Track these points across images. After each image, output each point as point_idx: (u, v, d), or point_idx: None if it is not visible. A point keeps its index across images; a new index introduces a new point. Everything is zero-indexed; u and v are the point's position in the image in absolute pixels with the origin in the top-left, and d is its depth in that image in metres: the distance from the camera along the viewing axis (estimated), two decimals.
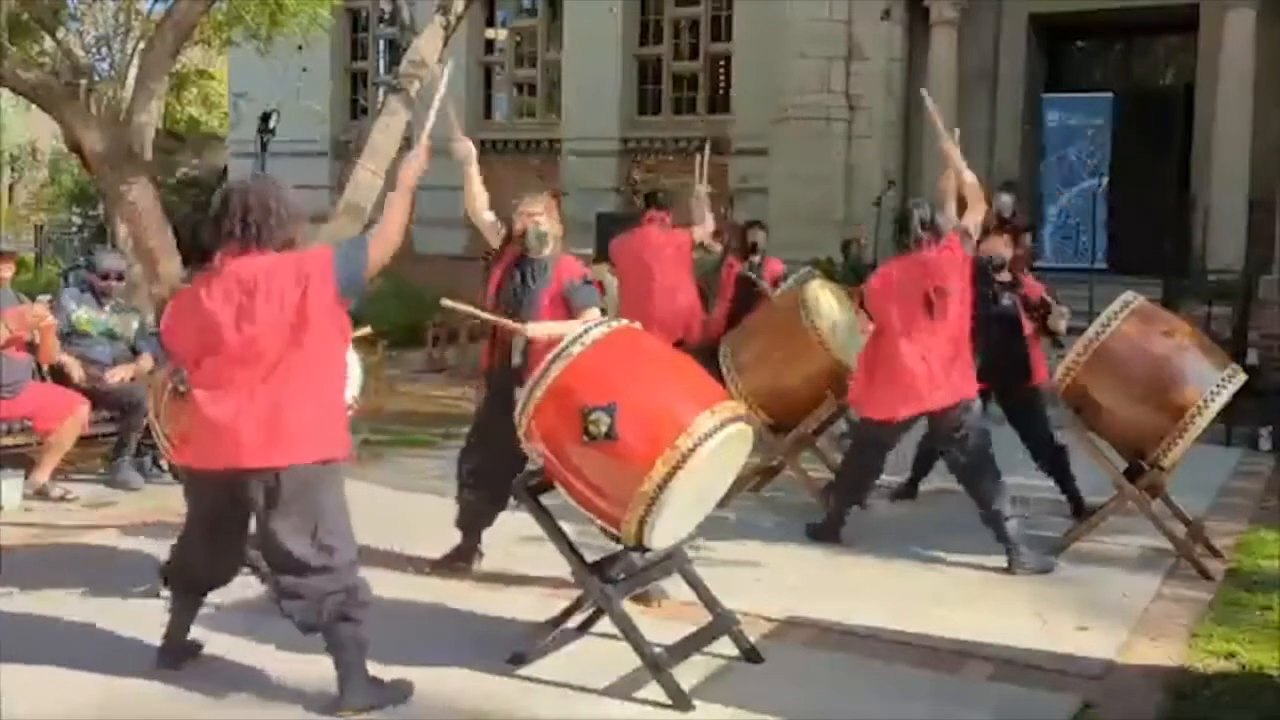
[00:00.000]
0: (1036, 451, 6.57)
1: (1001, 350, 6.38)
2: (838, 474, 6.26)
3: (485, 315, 5.01)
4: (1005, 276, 6.60)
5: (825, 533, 5.98)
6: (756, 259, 8.98)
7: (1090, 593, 5.23)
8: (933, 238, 5.70)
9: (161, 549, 5.22)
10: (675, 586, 4.59)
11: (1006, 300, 6.54)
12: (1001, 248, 6.60)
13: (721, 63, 15.01)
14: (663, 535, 3.95)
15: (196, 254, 3.89)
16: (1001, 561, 5.54)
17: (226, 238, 3.72)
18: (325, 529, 3.74)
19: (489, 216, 5.28)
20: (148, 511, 6.30)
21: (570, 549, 4.09)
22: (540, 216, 5.07)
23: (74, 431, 6.57)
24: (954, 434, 5.71)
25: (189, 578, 4.06)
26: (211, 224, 3.76)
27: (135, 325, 7.27)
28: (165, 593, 4.24)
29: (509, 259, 5.12)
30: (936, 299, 5.57)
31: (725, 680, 4.09)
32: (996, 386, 6.40)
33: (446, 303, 5.06)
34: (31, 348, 6.58)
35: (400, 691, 3.84)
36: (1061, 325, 6.67)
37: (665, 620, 4.46)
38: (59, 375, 6.84)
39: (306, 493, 3.70)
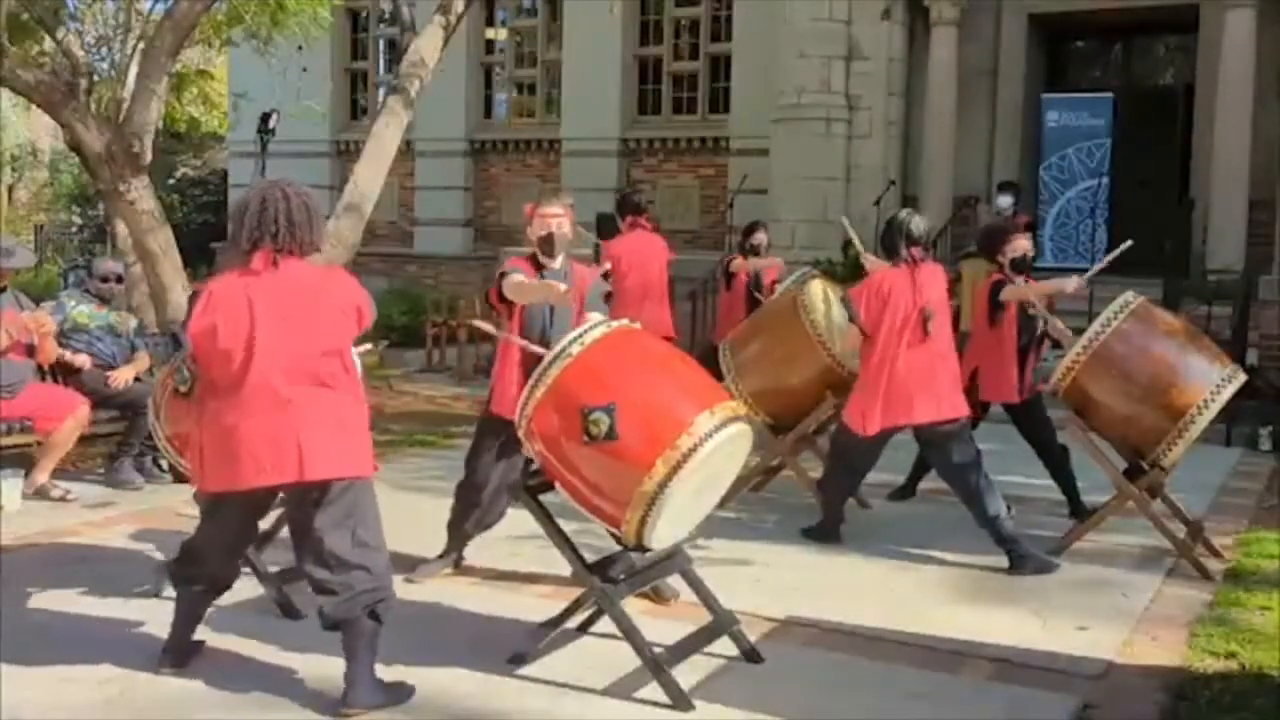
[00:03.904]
0: (1040, 453, 6.56)
1: (1024, 362, 6.41)
2: (824, 474, 6.25)
3: (517, 340, 4.70)
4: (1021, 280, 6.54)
5: (822, 533, 5.98)
6: (762, 261, 9.03)
7: (1090, 593, 5.24)
8: (921, 252, 5.72)
9: (161, 549, 5.25)
10: (675, 586, 4.60)
11: (1032, 311, 6.45)
12: (1026, 246, 6.54)
13: (721, 63, 15.01)
14: (663, 535, 3.95)
15: (235, 253, 3.83)
16: (1001, 561, 5.54)
17: (266, 240, 3.72)
18: (364, 529, 3.79)
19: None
20: (148, 511, 6.31)
21: (570, 549, 4.09)
22: (562, 219, 5.00)
23: (74, 431, 6.58)
24: (940, 447, 5.74)
25: (205, 577, 4.04)
26: (252, 225, 3.73)
27: (134, 323, 7.29)
28: (167, 592, 4.25)
29: (527, 274, 4.95)
30: (927, 316, 5.59)
31: (725, 680, 4.09)
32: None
33: (478, 324, 4.87)
34: (31, 350, 6.60)
35: (403, 692, 3.84)
36: (1058, 331, 6.51)
37: (665, 620, 4.46)
38: (59, 374, 6.86)
39: (349, 494, 3.76)
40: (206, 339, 3.70)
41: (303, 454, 3.66)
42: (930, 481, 6.83)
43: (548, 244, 4.98)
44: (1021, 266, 6.48)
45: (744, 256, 9.13)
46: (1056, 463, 6.50)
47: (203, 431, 3.83)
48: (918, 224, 5.81)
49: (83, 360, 6.81)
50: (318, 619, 3.80)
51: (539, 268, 4.99)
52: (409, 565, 5.32)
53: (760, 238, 9.18)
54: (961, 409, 5.75)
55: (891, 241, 5.76)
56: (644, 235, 8.56)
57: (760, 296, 8.57)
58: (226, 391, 3.71)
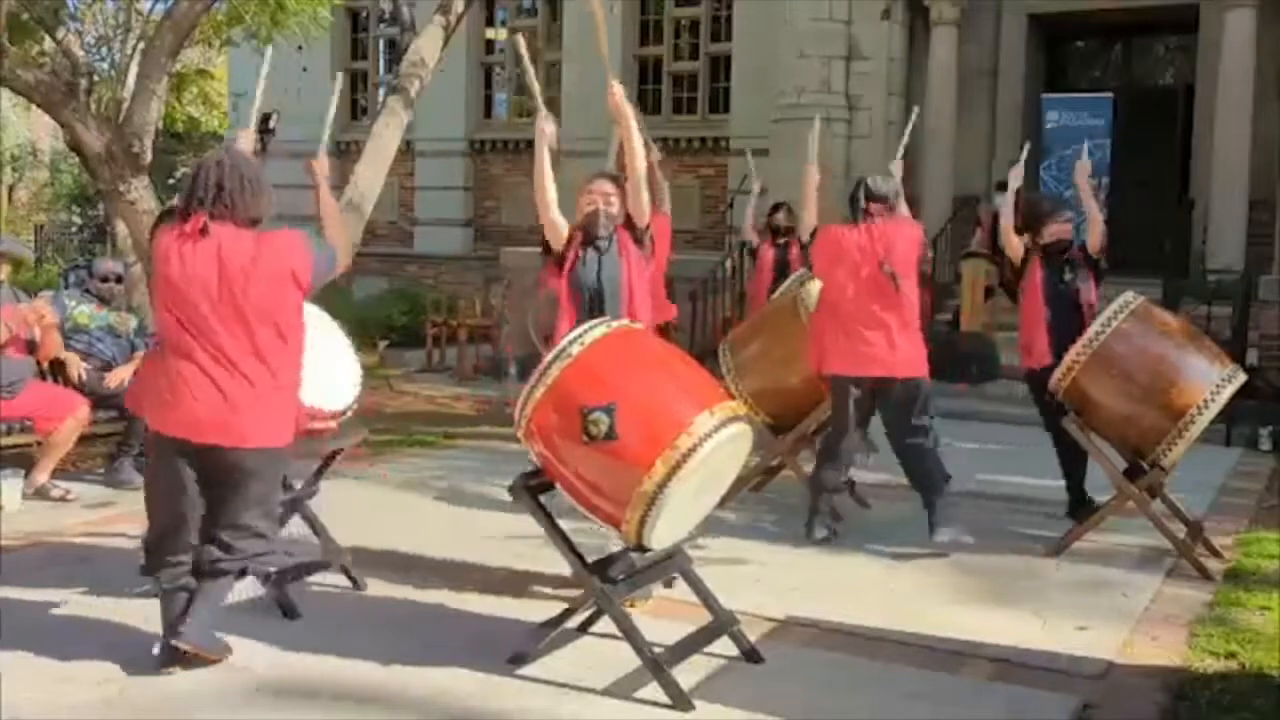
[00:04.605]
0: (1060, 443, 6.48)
1: (1062, 330, 6.27)
2: (814, 469, 6.25)
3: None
4: (1062, 260, 6.46)
5: (808, 527, 5.97)
6: (781, 241, 9.18)
7: (1090, 593, 5.24)
8: (881, 209, 5.80)
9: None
10: (675, 586, 4.60)
11: (1069, 277, 6.39)
12: (1064, 232, 6.48)
13: (721, 63, 15.00)
14: (663, 535, 3.95)
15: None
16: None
17: (194, 206, 3.84)
18: (274, 500, 4.04)
19: (556, 216, 4.92)
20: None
21: (570, 549, 4.09)
22: (611, 195, 4.92)
23: (74, 431, 6.57)
24: (893, 406, 5.82)
25: (167, 558, 4.03)
26: (185, 192, 3.88)
27: (134, 324, 7.29)
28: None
29: (576, 244, 4.91)
30: (889, 273, 5.69)
31: (725, 680, 4.09)
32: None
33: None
34: (31, 347, 6.59)
35: (222, 647, 4.04)
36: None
37: (665, 620, 4.46)
38: (59, 373, 6.86)
39: (269, 470, 3.96)
40: (159, 297, 3.91)
41: (228, 421, 3.80)
42: None
43: (592, 220, 4.90)
44: (1056, 250, 6.45)
45: (771, 242, 9.28)
46: (1072, 455, 6.40)
47: (147, 364, 4.07)
48: (877, 182, 5.94)
49: (75, 363, 6.78)
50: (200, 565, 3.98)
51: (587, 241, 4.91)
52: (407, 565, 5.33)
53: (781, 219, 9.36)
54: (917, 369, 5.81)
55: (852, 199, 5.92)
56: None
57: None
58: (170, 343, 3.87)
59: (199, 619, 3.93)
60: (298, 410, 4.10)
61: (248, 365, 3.82)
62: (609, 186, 4.97)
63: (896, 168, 6.37)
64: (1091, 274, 6.44)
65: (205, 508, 4.02)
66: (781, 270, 8.90)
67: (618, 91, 4.93)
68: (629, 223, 4.93)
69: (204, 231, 3.81)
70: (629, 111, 4.88)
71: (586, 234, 4.91)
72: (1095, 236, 6.45)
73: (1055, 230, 6.43)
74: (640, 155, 4.87)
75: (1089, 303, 6.35)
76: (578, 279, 4.87)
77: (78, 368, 6.79)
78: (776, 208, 9.49)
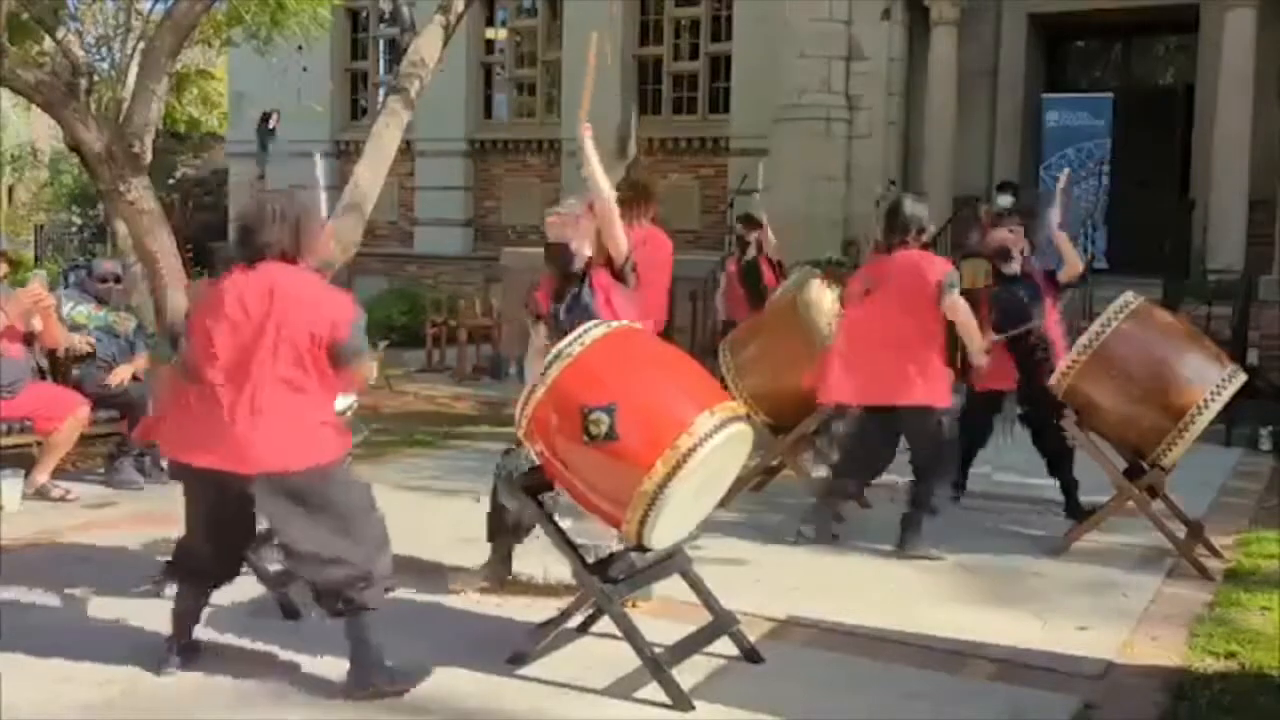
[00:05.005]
0: (1043, 449, 6.53)
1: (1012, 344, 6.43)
2: (835, 469, 6.25)
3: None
4: (1014, 268, 6.57)
5: (818, 529, 5.97)
6: (751, 256, 9.16)
7: (1090, 593, 5.24)
8: (894, 237, 5.82)
9: (161, 549, 5.24)
10: (675, 586, 4.59)
11: (1021, 293, 6.50)
12: (1007, 238, 6.56)
13: (721, 63, 15.01)
14: (663, 535, 3.95)
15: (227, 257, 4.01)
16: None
17: (241, 242, 3.88)
18: (333, 518, 3.83)
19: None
20: (148, 511, 6.29)
21: (570, 549, 4.09)
22: (558, 224, 4.87)
23: (74, 431, 6.57)
24: (910, 432, 5.80)
25: (193, 568, 4.05)
26: (234, 228, 3.91)
27: (133, 324, 7.28)
28: (168, 592, 4.24)
29: (549, 291, 4.92)
30: (871, 295, 5.73)
31: (725, 680, 4.09)
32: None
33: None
34: (30, 341, 6.55)
35: (408, 675, 3.90)
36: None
37: (665, 620, 4.46)
38: (59, 371, 6.85)
39: (317, 492, 3.81)
40: (195, 331, 3.90)
41: (251, 447, 3.73)
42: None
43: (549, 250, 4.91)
44: (1001, 258, 6.58)
45: (737, 258, 9.28)
46: (1057, 460, 6.45)
47: (174, 398, 4.01)
48: (886, 210, 6.02)
49: (65, 335, 6.73)
50: (318, 617, 3.87)
51: (555, 277, 4.90)
52: (406, 565, 5.31)
53: (739, 229, 9.43)
54: (919, 396, 5.69)
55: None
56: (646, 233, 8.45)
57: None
58: (193, 371, 3.85)
59: (364, 663, 3.84)
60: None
61: (270, 394, 3.75)
62: (551, 218, 4.94)
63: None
64: (1051, 291, 6.58)
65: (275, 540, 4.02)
66: (750, 281, 8.89)
67: (585, 132, 4.93)
68: (608, 260, 4.83)
69: (247, 268, 3.84)
70: (591, 151, 4.88)
71: (555, 272, 4.88)
72: (1067, 276, 6.65)
73: (996, 236, 6.56)
74: (604, 190, 4.80)
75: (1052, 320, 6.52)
76: (563, 326, 4.77)
77: (65, 335, 6.72)
78: (736, 220, 9.62)
